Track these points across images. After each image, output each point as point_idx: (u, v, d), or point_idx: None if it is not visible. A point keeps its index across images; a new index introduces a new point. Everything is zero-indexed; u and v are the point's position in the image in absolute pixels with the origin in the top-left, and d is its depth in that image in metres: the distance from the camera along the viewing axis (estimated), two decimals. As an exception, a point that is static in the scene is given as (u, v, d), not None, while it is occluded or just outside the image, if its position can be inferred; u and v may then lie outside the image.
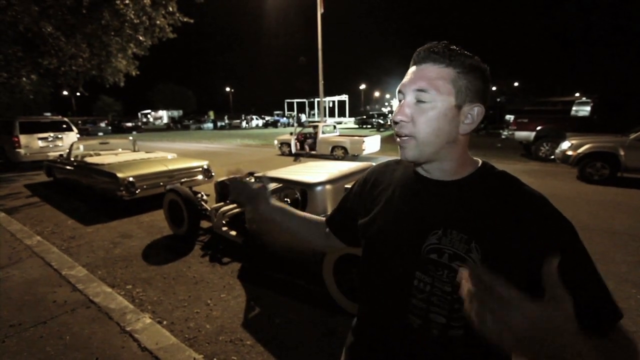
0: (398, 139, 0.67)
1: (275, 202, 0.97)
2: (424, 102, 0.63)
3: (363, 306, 0.78)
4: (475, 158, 0.71)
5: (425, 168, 0.70)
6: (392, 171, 0.81)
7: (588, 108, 8.70)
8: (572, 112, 9.19)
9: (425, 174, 0.71)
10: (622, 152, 6.03)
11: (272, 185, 3.30)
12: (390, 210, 0.73)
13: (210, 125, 36.70)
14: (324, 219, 0.97)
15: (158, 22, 9.03)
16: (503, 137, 11.18)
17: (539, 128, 9.17)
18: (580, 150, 6.42)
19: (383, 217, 0.73)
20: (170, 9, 9.09)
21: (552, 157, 8.34)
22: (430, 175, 0.70)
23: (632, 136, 6.05)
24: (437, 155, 0.66)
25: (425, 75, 0.63)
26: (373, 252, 0.75)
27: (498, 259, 0.59)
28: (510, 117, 10.54)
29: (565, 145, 6.77)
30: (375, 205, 0.76)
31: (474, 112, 0.65)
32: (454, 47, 0.64)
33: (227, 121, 40.36)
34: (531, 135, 9.32)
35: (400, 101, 0.67)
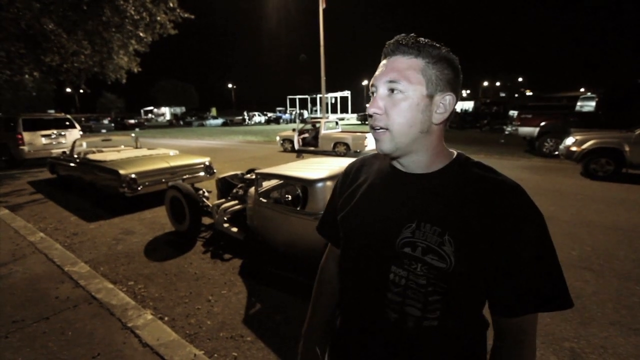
0: (373, 132, 0.67)
1: (315, 346, 0.89)
2: (396, 93, 0.63)
3: (344, 300, 0.80)
4: (450, 150, 0.72)
5: (400, 161, 0.71)
6: (370, 165, 0.82)
7: (593, 103, 8.60)
8: (577, 108, 9.10)
9: (401, 167, 0.72)
10: (627, 148, 5.96)
11: (273, 183, 3.29)
12: (366, 205, 0.74)
13: (212, 121, 36.41)
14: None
15: (159, 18, 8.99)
16: (506, 132, 11.08)
17: (542, 124, 9.09)
18: (584, 146, 6.34)
19: (359, 211, 0.75)
20: (171, 4, 9.05)
21: (556, 153, 8.27)
22: (405, 169, 0.71)
23: (638, 132, 5.97)
24: (412, 146, 0.66)
25: (395, 66, 0.64)
26: (350, 246, 0.76)
27: (471, 250, 0.60)
28: (513, 113, 10.45)
29: (569, 141, 6.69)
30: (353, 200, 0.77)
31: (446, 101, 0.66)
32: (422, 39, 0.65)
33: (248, 115, 38.41)
34: (535, 131, 9.24)
35: (373, 94, 0.68)
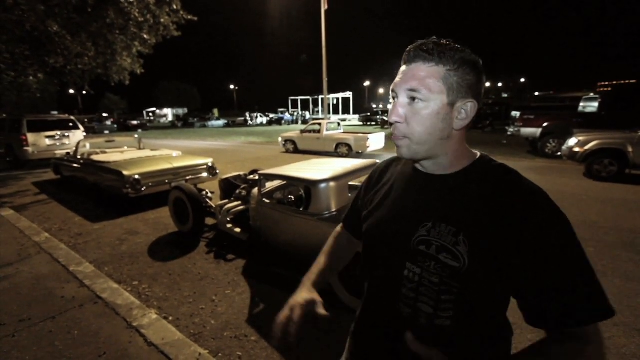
0: (394, 139, 0.70)
1: (310, 285, 0.84)
2: (417, 102, 0.64)
3: (364, 294, 0.83)
4: (474, 151, 0.72)
5: (422, 164, 0.73)
6: (394, 167, 0.85)
7: (596, 104, 8.58)
8: (580, 108, 9.07)
9: (422, 169, 0.74)
10: (630, 149, 5.94)
11: (276, 183, 3.31)
12: (387, 204, 0.77)
13: (214, 122, 36.25)
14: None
15: (162, 20, 9.05)
16: (509, 133, 11.07)
17: (545, 124, 9.07)
18: (587, 147, 6.33)
19: (380, 210, 0.78)
20: (175, 6, 9.10)
21: (559, 153, 8.25)
22: (426, 170, 0.73)
23: (641, 132, 5.96)
24: (431, 152, 0.68)
25: (415, 75, 0.64)
26: (370, 243, 0.79)
27: (486, 252, 0.60)
28: (516, 114, 10.43)
29: (572, 141, 6.67)
30: (376, 199, 0.81)
31: (467, 108, 0.65)
32: (444, 42, 0.64)
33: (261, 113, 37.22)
34: (537, 131, 9.22)
35: (394, 100, 0.69)
